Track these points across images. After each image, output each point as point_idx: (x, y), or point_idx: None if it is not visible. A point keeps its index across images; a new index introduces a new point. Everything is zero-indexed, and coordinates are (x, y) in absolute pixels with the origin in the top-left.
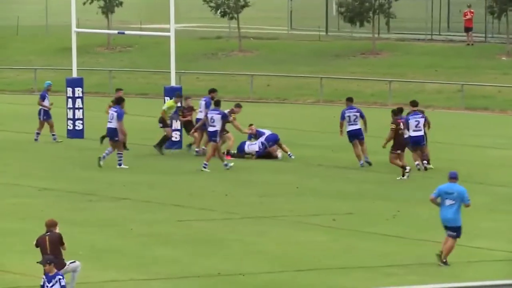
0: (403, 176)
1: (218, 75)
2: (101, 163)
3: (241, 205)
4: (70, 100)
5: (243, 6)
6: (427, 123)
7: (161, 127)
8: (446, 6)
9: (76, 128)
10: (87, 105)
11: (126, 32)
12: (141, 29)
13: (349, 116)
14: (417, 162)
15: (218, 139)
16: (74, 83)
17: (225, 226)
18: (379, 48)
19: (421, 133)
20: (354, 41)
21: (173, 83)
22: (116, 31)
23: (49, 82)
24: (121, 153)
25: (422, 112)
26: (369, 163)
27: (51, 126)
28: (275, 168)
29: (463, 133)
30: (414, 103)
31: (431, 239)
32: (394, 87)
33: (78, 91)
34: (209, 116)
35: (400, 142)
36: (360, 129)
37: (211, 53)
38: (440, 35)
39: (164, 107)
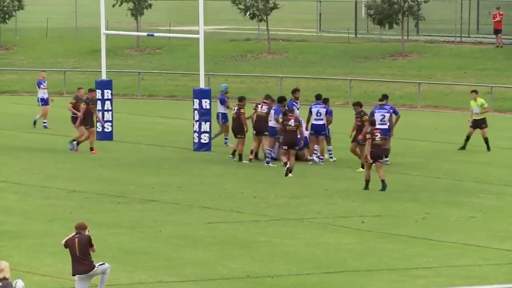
0: (286, 175)
1: (247, 77)
2: (270, 164)
3: (269, 207)
4: (99, 102)
5: (272, 8)
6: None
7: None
8: (475, 8)
9: (105, 130)
10: (116, 107)
11: (155, 34)
12: (170, 31)
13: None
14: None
15: (327, 132)
16: (103, 85)
17: (253, 228)
18: (408, 50)
19: (385, 126)
20: (383, 43)
21: (202, 85)
22: (145, 33)
23: (226, 85)
24: (270, 150)
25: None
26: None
27: (226, 130)
28: (304, 170)
29: (493, 136)
30: (381, 99)
31: (460, 241)
32: (423, 89)
33: (107, 93)
34: (314, 110)
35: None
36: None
37: (240, 55)
38: (469, 37)
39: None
